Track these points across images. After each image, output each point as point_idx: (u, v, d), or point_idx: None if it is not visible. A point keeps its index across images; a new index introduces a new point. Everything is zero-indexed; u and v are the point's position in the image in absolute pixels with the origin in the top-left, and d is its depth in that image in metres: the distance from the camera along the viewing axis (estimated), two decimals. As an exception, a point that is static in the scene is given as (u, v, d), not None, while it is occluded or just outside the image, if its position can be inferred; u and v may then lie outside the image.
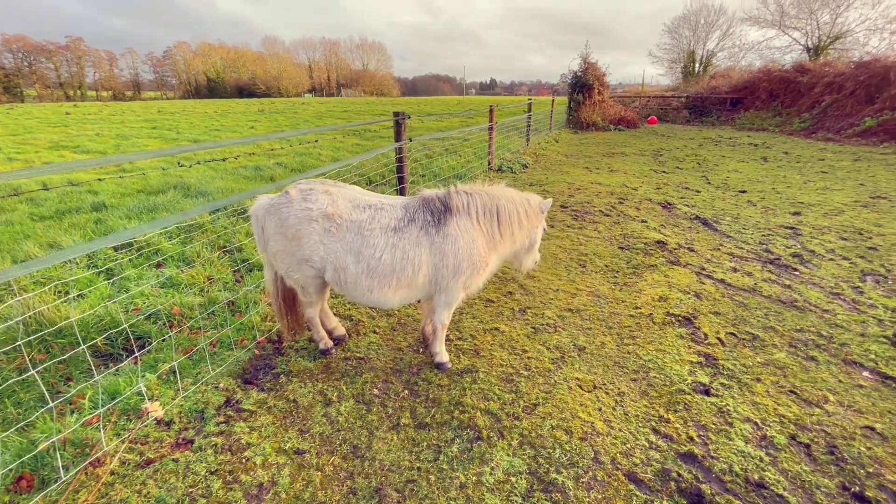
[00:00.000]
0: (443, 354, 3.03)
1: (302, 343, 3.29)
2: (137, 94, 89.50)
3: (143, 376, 2.67)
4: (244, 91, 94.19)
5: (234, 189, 7.33)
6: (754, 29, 37.92)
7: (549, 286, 4.27)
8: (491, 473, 2.20)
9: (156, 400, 2.56)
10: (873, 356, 3.19)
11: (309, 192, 2.69)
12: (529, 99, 14.50)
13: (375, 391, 2.81)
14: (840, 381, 2.93)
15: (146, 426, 2.41)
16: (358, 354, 3.18)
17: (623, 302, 3.97)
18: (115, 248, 4.52)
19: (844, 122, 16.69)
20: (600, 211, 6.67)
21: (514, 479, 2.17)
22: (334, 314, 3.62)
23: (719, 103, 23.87)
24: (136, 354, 2.96)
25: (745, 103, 22.77)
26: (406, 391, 2.81)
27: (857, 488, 2.15)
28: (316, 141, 12.88)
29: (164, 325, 3.32)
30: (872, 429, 2.53)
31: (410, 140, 5.39)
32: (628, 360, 3.14)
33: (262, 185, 7.61)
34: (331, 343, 3.18)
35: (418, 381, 2.91)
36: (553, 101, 17.64)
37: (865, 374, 3.03)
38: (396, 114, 5.10)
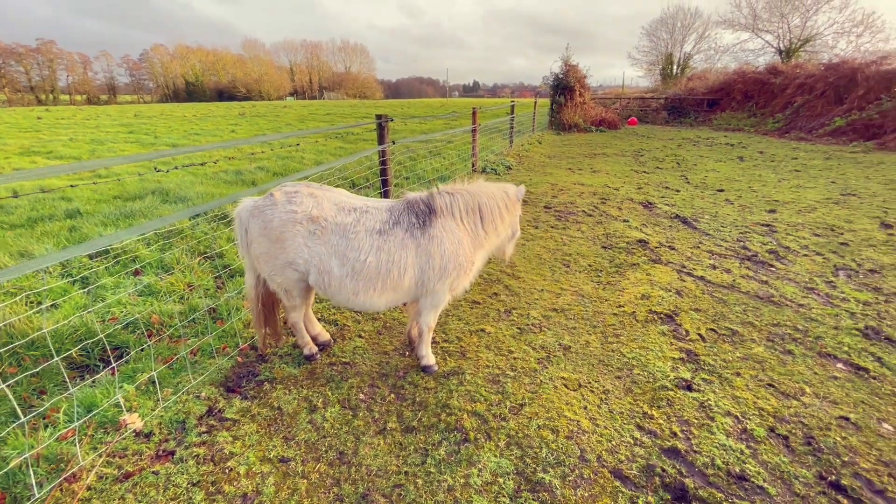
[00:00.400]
0: (429, 357, 3.02)
1: (286, 349, 3.24)
2: (113, 98, 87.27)
3: (121, 387, 2.60)
4: (224, 94, 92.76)
5: (214, 194, 7.21)
6: (729, 32, 38.92)
7: (534, 286, 4.30)
8: (479, 475, 2.20)
9: (134, 411, 2.49)
10: (846, 348, 3.29)
11: (294, 194, 2.67)
12: (512, 101, 14.62)
13: (361, 396, 2.78)
14: (816, 374, 3.02)
15: (124, 439, 2.34)
16: (343, 359, 3.15)
17: (607, 301, 4.02)
18: (91, 257, 4.40)
19: (816, 122, 17.23)
20: (583, 211, 6.75)
21: (501, 480, 2.17)
22: (319, 319, 3.58)
23: (697, 104, 24.41)
24: (113, 365, 2.88)
25: (721, 104, 23.33)
26: (392, 395, 2.79)
27: (834, 477, 2.21)
28: (297, 144, 12.76)
29: (142, 334, 3.23)
30: (847, 419, 2.61)
31: (394, 143, 5.37)
32: (612, 359, 3.18)
33: (244, 189, 7.50)
34: (315, 348, 3.15)
35: (405, 384, 2.89)
36: (535, 103, 17.82)
37: (839, 365, 3.12)
38: (379, 116, 5.08)
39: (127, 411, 2.47)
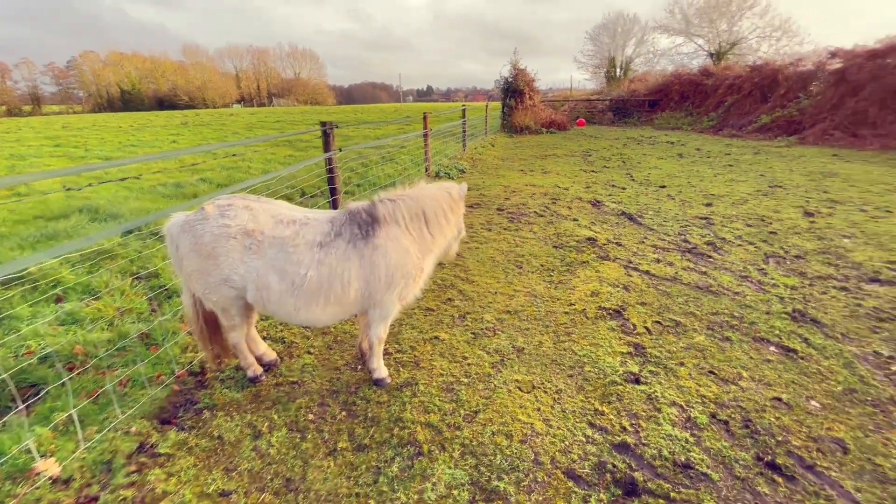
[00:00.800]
0: (381, 370, 2.93)
1: (229, 372, 3.05)
2: (38, 109, 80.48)
3: (32, 430, 2.34)
4: (165, 103, 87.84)
5: (150, 209, 6.76)
6: (665, 36, 41.22)
7: (488, 290, 4.31)
8: (433, 489, 2.15)
9: (50, 456, 2.25)
10: (778, 332, 3.51)
11: (227, 207, 2.52)
12: (463, 105, 14.75)
13: (311, 416, 2.66)
14: (751, 358, 3.19)
15: (38, 488, 2.10)
16: (291, 378, 3.00)
17: (558, 300, 4.09)
18: (2, 283, 3.97)
19: (745, 120, 18.53)
20: (535, 212, 6.88)
21: (456, 493, 2.13)
22: (264, 338, 3.41)
23: (639, 105, 25.63)
24: (21, 406, 2.59)
25: (661, 105, 24.62)
26: (344, 413, 2.69)
27: (770, 457, 2.32)
28: (243, 154, 12.26)
29: (63, 367, 2.94)
30: (780, 399, 2.76)
31: (340, 150, 5.24)
32: (565, 357, 3.22)
33: (183, 203, 7.10)
34: (260, 369, 2.98)
35: (356, 400, 2.79)
36: (487, 106, 18.08)
37: (772, 348, 3.32)
38: (324, 124, 4.94)
39: (41, 457, 2.23)
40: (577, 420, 2.61)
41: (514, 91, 19.49)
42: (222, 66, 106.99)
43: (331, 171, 5.04)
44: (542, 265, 4.90)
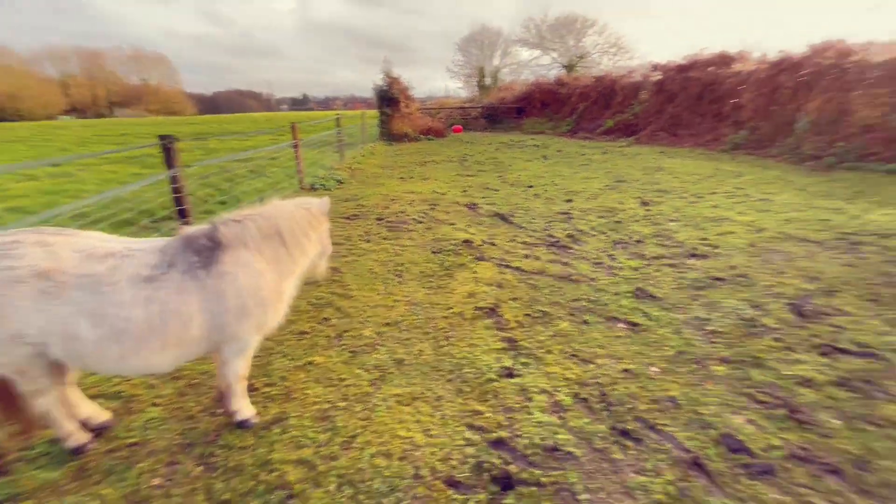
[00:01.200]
0: (244, 410, 2.63)
1: (41, 448, 2.46)
2: None
3: None
4: (-42, 116, 70.23)
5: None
6: (525, 49, 45.41)
7: (367, 303, 4.18)
8: (306, 534, 1.96)
9: None
10: (625, 310, 3.99)
11: (11, 245, 2.02)
12: (337, 114, 14.36)
13: (156, 481, 2.26)
14: (606, 336, 3.57)
15: None
16: (130, 440, 2.53)
17: (438, 305, 4.13)
18: None
19: (594, 124, 21.17)
20: (414, 219, 6.93)
21: (331, 531, 1.97)
22: (95, 395, 2.84)
23: (508, 112, 27.70)
24: None
25: (527, 111, 26.93)
26: (200, 468, 2.34)
27: (622, 426, 2.60)
28: (72, 175, 10.32)
29: None
30: (628, 370, 3.12)
31: (189, 166, 4.66)
32: (444, 363, 3.25)
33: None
34: (86, 437, 2.46)
35: (215, 450, 2.46)
36: (363, 114, 17.87)
37: (620, 325, 3.76)
38: (163, 137, 4.34)
39: None
40: (457, 425, 2.63)
41: (389, 99, 19.61)
42: (41, 70, 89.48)
43: (176, 190, 4.45)
44: (421, 272, 4.92)
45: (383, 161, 13.83)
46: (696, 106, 16.86)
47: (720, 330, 3.62)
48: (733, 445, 2.45)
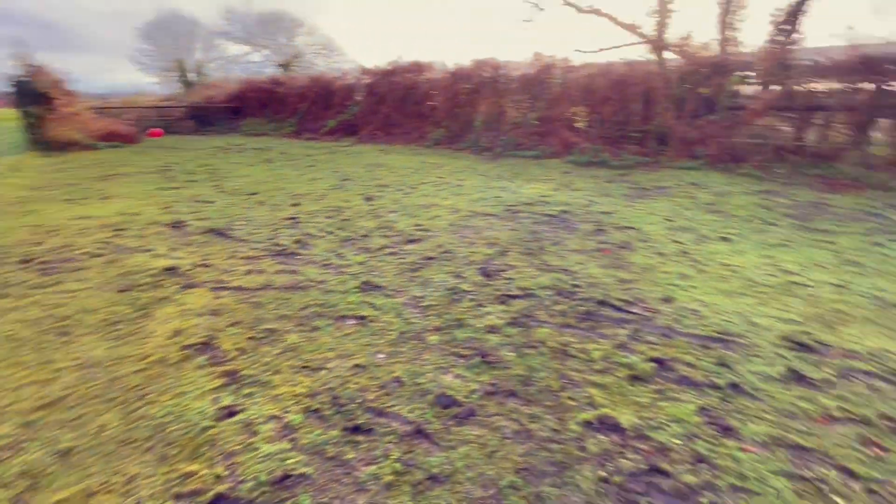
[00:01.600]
0: None
1: None
2: None
3: None
4: None
5: None
6: (231, 43, 41.29)
7: (5, 386, 2.92)
8: None
9: None
10: (353, 306, 4.09)
11: None
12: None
13: None
14: (335, 338, 3.56)
15: None
16: None
17: (128, 358, 3.25)
18: None
19: (318, 124, 21.28)
20: (88, 253, 5.30)
21: None
22: None
23: (222, 112, 24.79)
24: None
25: (244, 112, 24.70)
26: None
27: (353, 423, 2.63)
28: None
29: None
30: (358, 365, 3.20)
31: None
32: (138, 430, 2.56)
33: None
34: None
35: None
36: (-10, 116, 12.61)
37: (350, 322, 3.84)
38: None
39: None
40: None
41: (34, 95, 14.45)
42: None
43: None
44: (103, 320, 3.79)
45: (36, 180, 10.14)
46: (402, 107, 19.08)
47: (433, 303, 4.14)
48: (445, 402, 2.81)
